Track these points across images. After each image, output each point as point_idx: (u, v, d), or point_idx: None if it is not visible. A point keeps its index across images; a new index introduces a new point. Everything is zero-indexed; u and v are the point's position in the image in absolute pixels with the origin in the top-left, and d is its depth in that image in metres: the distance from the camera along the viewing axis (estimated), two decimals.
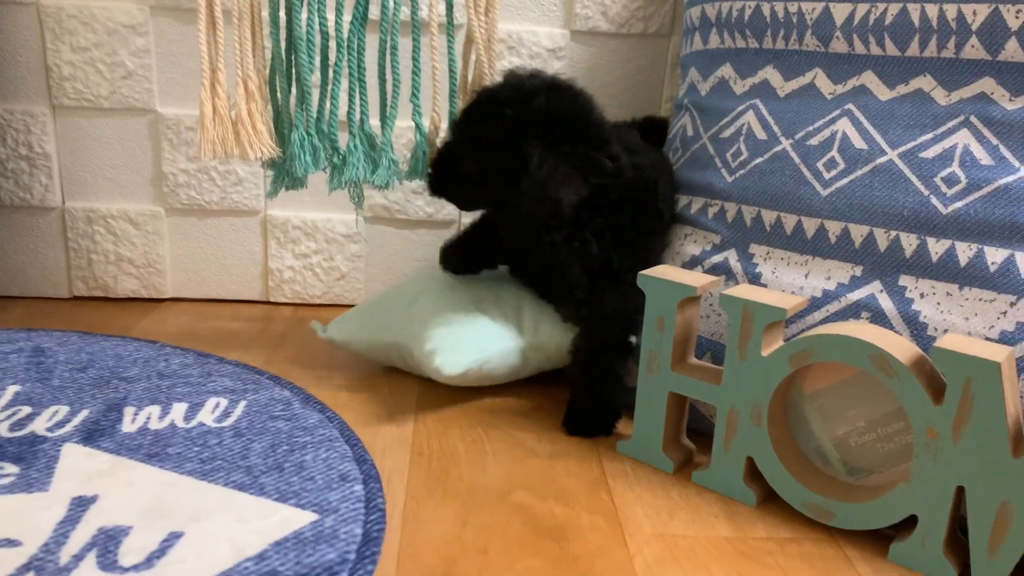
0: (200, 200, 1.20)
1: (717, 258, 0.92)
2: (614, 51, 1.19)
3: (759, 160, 0.90)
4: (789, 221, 0.87)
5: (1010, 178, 0.75)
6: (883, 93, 0.84)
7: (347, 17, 0.90)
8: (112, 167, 1.19)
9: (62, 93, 1.15)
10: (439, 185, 0.93)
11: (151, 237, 1.22)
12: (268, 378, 0.99)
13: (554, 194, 0.84)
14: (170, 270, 1.24)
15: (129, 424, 0.86)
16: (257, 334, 1.16)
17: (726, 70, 0.98)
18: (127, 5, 1.12)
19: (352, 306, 1.27)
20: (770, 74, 0.93)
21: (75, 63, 1.14)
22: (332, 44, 0.97)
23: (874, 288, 0.80)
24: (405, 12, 1.06)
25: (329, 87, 0.93)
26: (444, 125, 0.96)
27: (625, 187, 0.91)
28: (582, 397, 0.93)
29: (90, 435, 0.83)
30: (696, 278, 0.83)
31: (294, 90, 0.91)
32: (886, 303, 0.79)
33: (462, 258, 1.04)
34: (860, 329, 0.74)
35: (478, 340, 0.93)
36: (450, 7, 0.95)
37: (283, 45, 0.91)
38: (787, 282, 0.86)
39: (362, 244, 1.24)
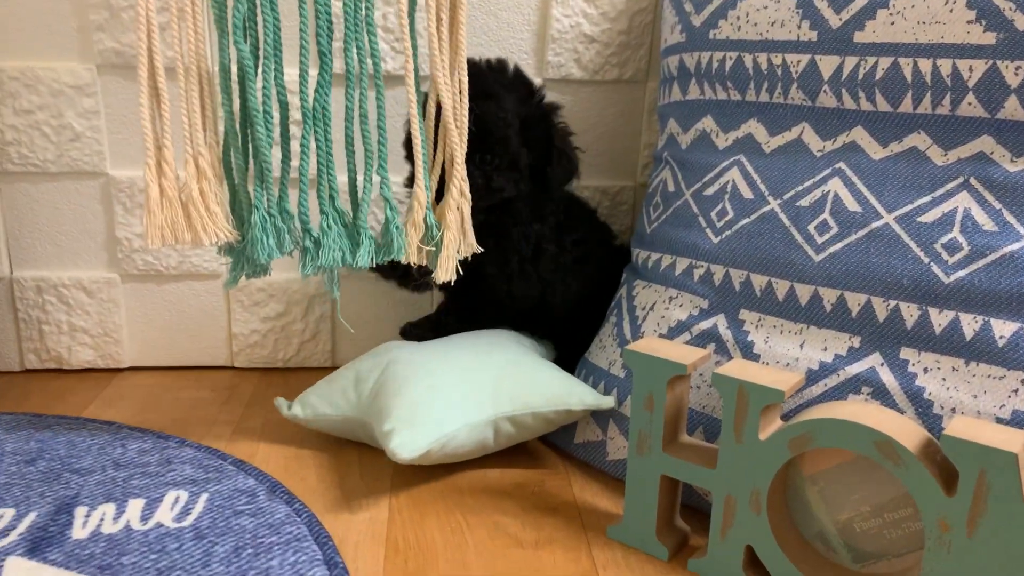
0: (157, 265, 1.14)
1: (705, 324, 0.87)
2: (588, 98, 1.14)
3: (746, 221, 0.86)
4: (781, 287, 0.82)
5: (1015, 245, 0.70)
6: (875, 151, 0.79)
7: (311, 84, 0.83)
8: (62, 233, 1.12)
9: (6, 158, 1.08)
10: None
11: (106, 305, 1.15)
12: (232, 464, 0.92)
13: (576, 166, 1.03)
14: (127, 339, 1.18)
15: (80, 528, 0.79)
16: (222, 404, 1.10)
17: (707, 123, 0.93)
18: (72, 65, 1.06)
19: (324, 369, 1.21)
20: (754, 128, 0.88)
21: (18, 127, 1.07)
22: (294, 112, 0.91)
23: (874, 361, 0.76)
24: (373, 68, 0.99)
25: (293, 162, 0.87)
26: (424, 199, 0.87)
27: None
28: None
29: (36, 545, 0.76)
30: (685, 353, 0.78)
31: (252, 166, 0.85)
32: (887, 377, 0.74)
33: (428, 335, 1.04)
34: (864, 412, 0.69)
35: (442, 414, 0.87)
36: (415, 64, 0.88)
37: (237, 117, 0.85)
38: (781, 352, 0.81)
39: (331, 304, 1.18)
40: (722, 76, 0.90)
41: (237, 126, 0.84)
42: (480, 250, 0.90)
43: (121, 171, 1.11)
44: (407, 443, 0.83)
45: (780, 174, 0.85)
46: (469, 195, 0.87)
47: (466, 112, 0.83)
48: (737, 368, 0.74)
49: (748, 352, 0.83)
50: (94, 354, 1.17)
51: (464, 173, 0.85)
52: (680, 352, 0.78)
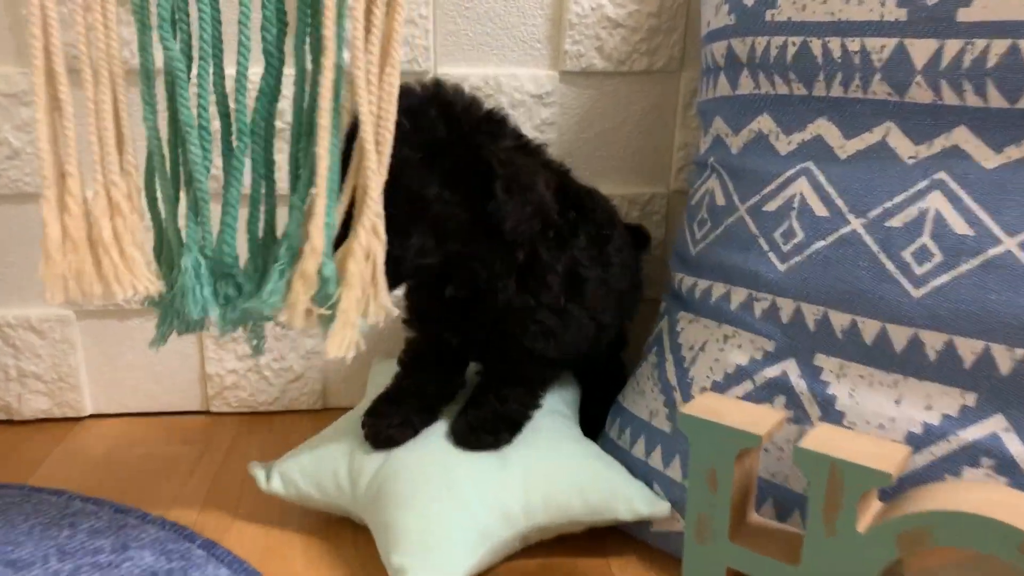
0: (117, 299, 0.98)
1: (772, 371, 0.71)
2: (613, 93, 0.98)
3: (820, 244, 0.70)
4: (869, 328, 0.66)
5: None
6: (987, 158, 0.63)
7: (251, 92, 0.65)
8: (6, 265, 0.97)
9: None
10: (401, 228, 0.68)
11: (60, 347, 1.00)
12: (201, 548, 0.77)
13: (538, 190, 0.71)
14: (86, 384, 1.02)
15: None
16: (196, 459, 0.94)
17: (764, 122, 0.77)
18: (6, 70, 0.90)
19: (313, 412, 1.06)
20: (825, 128, 0.72)
21: None
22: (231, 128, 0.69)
23: (996, 425, 0.60)
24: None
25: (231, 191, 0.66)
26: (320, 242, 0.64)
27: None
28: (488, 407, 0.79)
29: None
30: (758, 417, 0.62)
31: (182, 197, 0.67)
32: (1017, 448, 0.58)
33: (403, 422, 0.80)
34: (997, 499, 0.54)
35: (463, 537, 0.70)
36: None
37: (164, 135, 0.66)
38: (871, 410, 0.65)
39: (319, 340, 1.02)
40: (783, 66, 0.74)
41: (164, 146, 0.66)
42: (395, 312, 0.68)
43: None
44: None
45: (862, 186, 0.68)
46: (384, 237, 0.64)
47: (391, 130, 0.62)
48: (826, 440, 0.58)
49: (829, 408, 0.67)
50: (49, 402, 1.02)
51: (379, 209, 0.63)
52: (750, 416, 0.63)
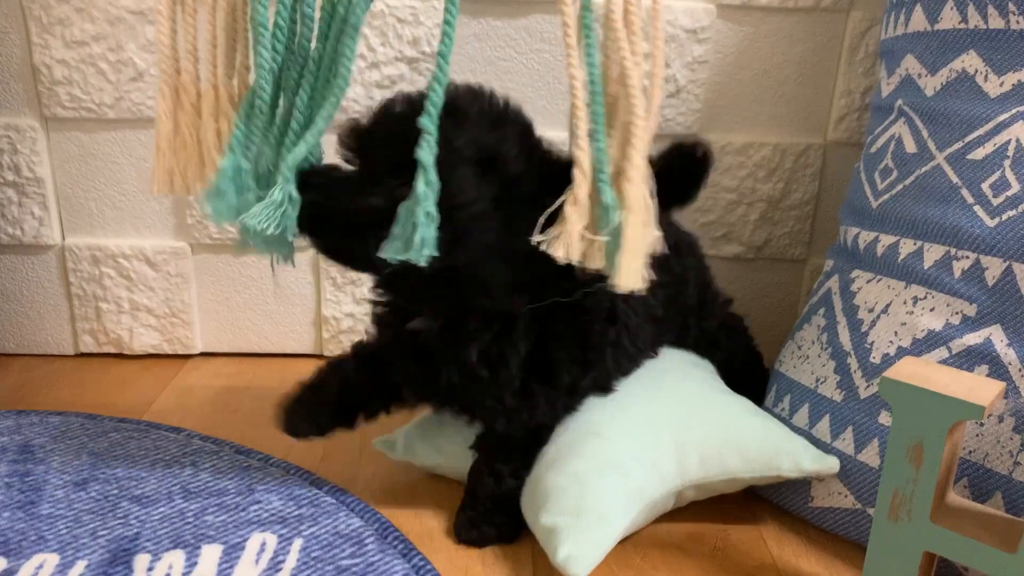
0: (235, 234, 0.94)
1: (973, 338, 0.63)
2: (774, 31, 0.89)
3: None
4: None
5: None
6: None
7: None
8: (122, 194, 0.93)
9: (55, 101, 0.89)
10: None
11: (174, 280, 0.96)
12: (329, 494, 0.72)
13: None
14: (198, 321, 0.99)
15: None
16: None
17: (970, 60, 0.68)
18: None
19: None
20: None
21: (70, 62, 0.87)
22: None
23: None
24: None
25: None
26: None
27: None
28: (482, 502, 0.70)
29: None
30: (976, 386, 0.55)
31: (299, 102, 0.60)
32: None
33: (319, 411, 0.71)
34: None
35: (616, 500, 0.65)
36: None
37: (297, 26, 0.59)
38: None
39: None
40: None
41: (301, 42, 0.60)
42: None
43: None
44: (582, 556, 0.61)
45: None
46: (649, 169, 0.56)
47: (662, 63, 0.55)
48: None
49: None
50: (159, 338, 0.99)
51: (648, 137, 0.56)
52: (969, 386, 0.55)
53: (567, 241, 0.56)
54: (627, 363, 0.74)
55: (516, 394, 0.66)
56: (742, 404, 0.74)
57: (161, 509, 0.70)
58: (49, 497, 0.71)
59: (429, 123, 0.54)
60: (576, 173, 0.56)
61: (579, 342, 0.68)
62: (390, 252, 0.54)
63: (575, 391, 0.70)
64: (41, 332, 0.98)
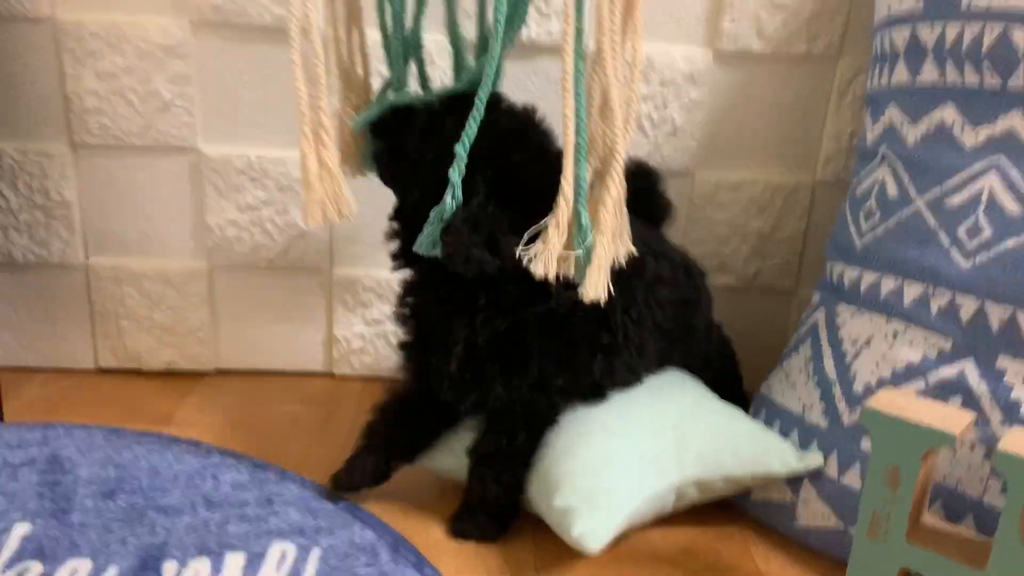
0: (255, 256, 0.99)
1: (948, 371, 0.69)
2: (767, 77, 0.95)
3: (1011, 243, 0.67)
4: None
5: None
6: None
7: None
8: (145, 217, 0.98)
9: (84, 129, 0.93)
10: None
11: (192, 300, 1.01)
12: (343, 508, 0.77)
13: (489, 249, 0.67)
14: (215, 339, 1.03)
15: None
16: (322, 423, 0.94)
17: (948, 113, 0.74)
18: (163, 21, 0.90)
19: None
20: (1019, 123, 0.69)
21: (100, 92, 0.92)
22: None
23: None
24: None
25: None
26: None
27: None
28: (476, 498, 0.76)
29: None
30: (949, 417, 0.60)
31: None
32: None
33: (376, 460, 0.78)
34: None
35: (623, 485, 0.70)
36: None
37: None
38: None
39: None
40: (976, 55, 0.71)
41: None
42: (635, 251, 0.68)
43: (214, 147, 0.95)
44: (595, 531, 0.67)
45: None
46: (624, 185, 0.65)
47: (638, 96, 0.64)
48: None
49: (1014, 413, 0.64)
50: (177, 354, 1.03)
51: (622, 168, 0.65)
52: (939, 414, 0.60)
53: (546, 259, 0.64)
54: (624, 372, 0.80)
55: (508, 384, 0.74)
56: (735, 411, 0.81)
57: (186, 519, 0.74)
58: (79, 506, 0.75)
59: (462, 150, 0.63)
60: (560, 200, 0.64)
61: (560, 342, 0.74)
62: (421, 247, 0.67)
63: (546, 388, 0.75)
64: (64, 347, 1.02)
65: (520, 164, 0.69)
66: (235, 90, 0.93)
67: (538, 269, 0.64)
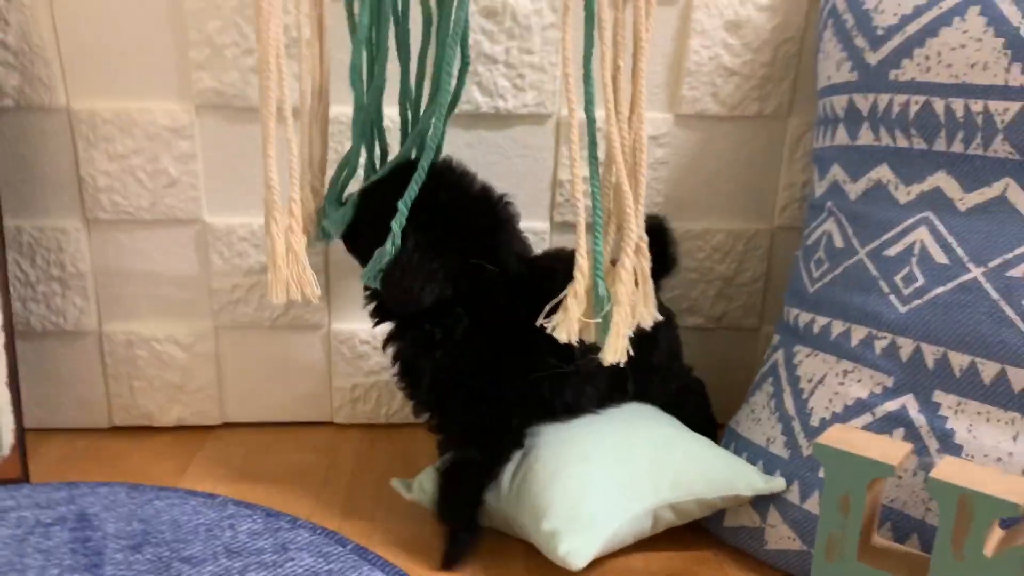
0: (259, 316, 1.06)
1: (891, 405, 0.77)
2: (725, 136, 1.04)
3: (941, 290, 0.75)
4: (988, 369, 0.72)
5: None
6: None
7: None
8: (154, 284, 1.05)
9: (97, 206, 1.01)
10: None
11: (200, 359, 1.08)
12: (353, 552, 0.84)
13: (417, 289, 0.77)
14: (222, 394, 1.10)
15: None
16: (327, 469, 1.02)
17: (884, 172, 0.83)
18: (170, 106, 0.98)
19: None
20: (944, 182, 0.78)
21: (112, 172, 1.00)
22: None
23: None
24: None
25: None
26: None
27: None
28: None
29: None
30: (889, 450, 0.68)
31: None
32: None
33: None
34: None
35: (603, 507, 0.78)
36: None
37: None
38: (989, 444, 0.71)
39: None
40: (904, 122, 0.80)
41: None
42: (660, 318, 0.78)
43: (218, 217, 1.03)
44: (579, 550, 0.75)
45: (982, 238, 0.74)
46: (648, 254, 0.74)
47: (644, 166, 0.72)
48: (957, 472, 0.64)
49: (948, 442, 0.73)
50: (187, 411, 1.10)
51: (643, 232, 0.73)
52: (882, 448, 0.69)
53: (568, 326, 0.72)
54: (571, 394, 0.87)
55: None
56: (704, 441, 0.88)
57: (209, 568, 0.81)
58: (110, 560, 0.82)
59: (403, 207, 0.75)
60: (577, 273, 0.72)
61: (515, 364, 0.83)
62: (365, 279, 0.79)
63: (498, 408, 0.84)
64: (79, 408, 1.09)
65: (445, 202, 0.79)
66: (237, 165, 1.01)
67: (561, 336, 0.72)
